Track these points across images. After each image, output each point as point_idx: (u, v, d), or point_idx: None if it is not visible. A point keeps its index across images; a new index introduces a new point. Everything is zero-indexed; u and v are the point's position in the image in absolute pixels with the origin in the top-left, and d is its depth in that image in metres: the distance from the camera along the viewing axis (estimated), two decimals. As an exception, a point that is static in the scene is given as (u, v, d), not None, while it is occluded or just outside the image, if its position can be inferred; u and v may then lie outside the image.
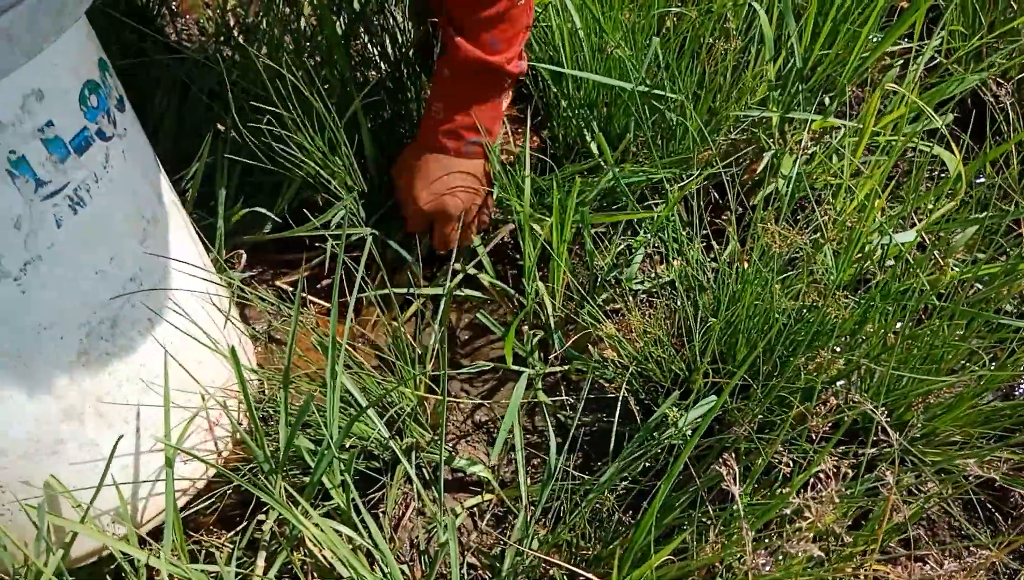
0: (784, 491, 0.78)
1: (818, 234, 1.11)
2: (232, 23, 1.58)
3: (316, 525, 0.89)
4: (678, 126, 1.23)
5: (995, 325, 0.95)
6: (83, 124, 0.74)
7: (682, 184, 1.11)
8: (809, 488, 0.76)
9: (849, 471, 0.70)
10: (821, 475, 0.87)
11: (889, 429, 0.63)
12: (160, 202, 0.90)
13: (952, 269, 0.88)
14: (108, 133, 0.78)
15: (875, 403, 0.91)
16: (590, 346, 1.17)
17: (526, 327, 1.14)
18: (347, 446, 1.04)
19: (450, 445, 1.16)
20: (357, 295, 0.95)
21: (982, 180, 1.37)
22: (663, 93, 1.15)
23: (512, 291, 1.23)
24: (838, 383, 0.91)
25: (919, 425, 0.93)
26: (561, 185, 1.09)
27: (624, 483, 0.98)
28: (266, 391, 1.11)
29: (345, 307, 1.17)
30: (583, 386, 1.20)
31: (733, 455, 0.78)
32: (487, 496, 1.10)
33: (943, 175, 1.41)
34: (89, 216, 0.76)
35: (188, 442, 1.01)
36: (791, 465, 0.74)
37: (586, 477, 1.01)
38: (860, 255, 1.02)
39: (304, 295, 1.31)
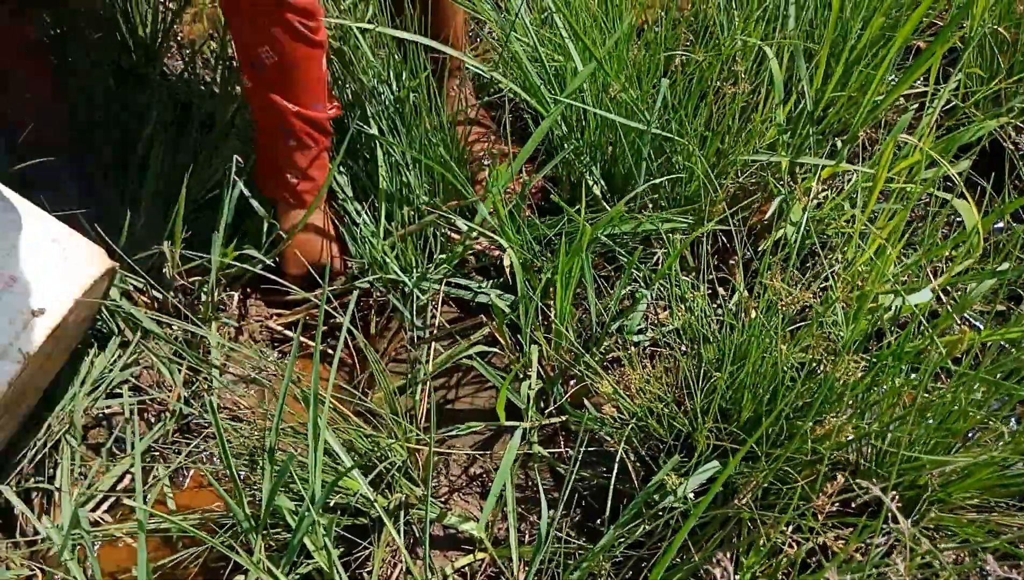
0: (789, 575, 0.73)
1: (827, 284, 1.07)
2: (234, 55, 1.56)
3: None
4: (684, 170, 1.18)
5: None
6: None
7: (685, 235, 1.07)
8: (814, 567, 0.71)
9: (858, 556, 0.65)
10: (827, 552, 0.81)
11: (900, 517, 0.58)
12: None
13: (968, 331, 0.83)
14: None
15: (884, 470, 0.86)
16: (586, 399, 1.12)
17: (527, 381, 1.10)
18: (331, 504, 0.99)
19: (442, 500, 1.12)
20: (342, 347, 0.91)
21: (1000, 225, 1.31)
22: (671, 136, 1.11)
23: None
24: (847, 449, 0.86)
25: (933, 491, 0.88)
26: (571, 245, 1.04)
27: (622, 548, 0.93)
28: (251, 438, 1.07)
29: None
30: (581, 437, 1.15)
31: (735, 527, 0.73)
32: (479, 555, 1.05)
33: (957, 219, 1.36)
34: None
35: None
36: (795, 545, 0.69)
37: (582, 542, 0.96)
38: (872, 308, 0.98)
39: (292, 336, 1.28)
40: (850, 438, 0.80)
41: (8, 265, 0.95)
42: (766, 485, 0.84)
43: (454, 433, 1.11)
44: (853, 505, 0.82)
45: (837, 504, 0.77)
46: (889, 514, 0.60)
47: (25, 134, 1.29)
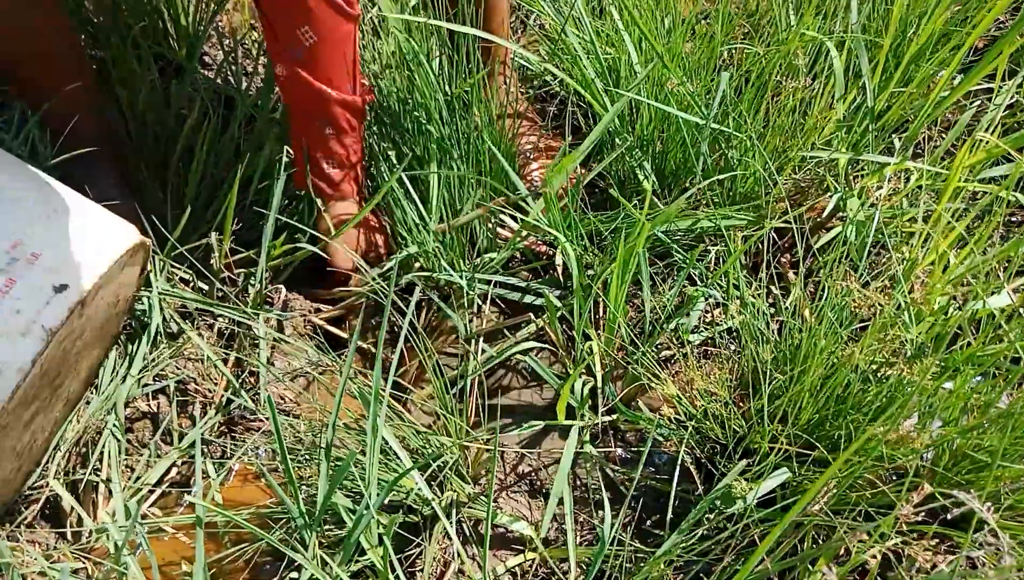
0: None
1: (888, 283, 1.04)
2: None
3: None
4: (739, 165, 1.16)
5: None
6: None
7: (746, 234, 1.05)
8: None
9: (944, 566, 0.63)
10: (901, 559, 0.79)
11: (999, 532, 0.56)
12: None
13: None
14: None
15: (959, 477, 0.84)
16: (639, 400, 1.10)
17: (579, 379, 1.08)
18: (386, 501, 0.98)
19: (492, 498, 1.10)
20: (401, 345, 0.89)
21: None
22: (728, 131, 1.09)
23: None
24: (919, 454, 0.83)
25: (1004, 499, 0.86)
26: (622, 237, 1.02)
27: (691, 554, 0.91)
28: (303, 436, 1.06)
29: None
30: (631, 437, 1.13)
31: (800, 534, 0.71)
32: (530, 555, 1.04)
33: (1012, 219, 1.33)
34: None
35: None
36: (876, 555, 0.67)
37: (638, 545, 0.95)
38: (942, 309, 0.95)
39: (335, 331, 1.26)
40: (927, 444, 0.78)
41: (30, 241, 0.94)
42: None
43: (512, 431, 1.09)
44: (943, 516, 0.80)
45: (923, 514, 0.75)
46: (984, 525, 0.58)
47: (69, 126, 1.28)
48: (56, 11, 1.17)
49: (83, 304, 0.92)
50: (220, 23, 1.65)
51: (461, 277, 1.17)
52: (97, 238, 0.97)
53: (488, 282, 1.19)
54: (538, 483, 1.13)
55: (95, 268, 0.94)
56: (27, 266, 0.91)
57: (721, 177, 1.11)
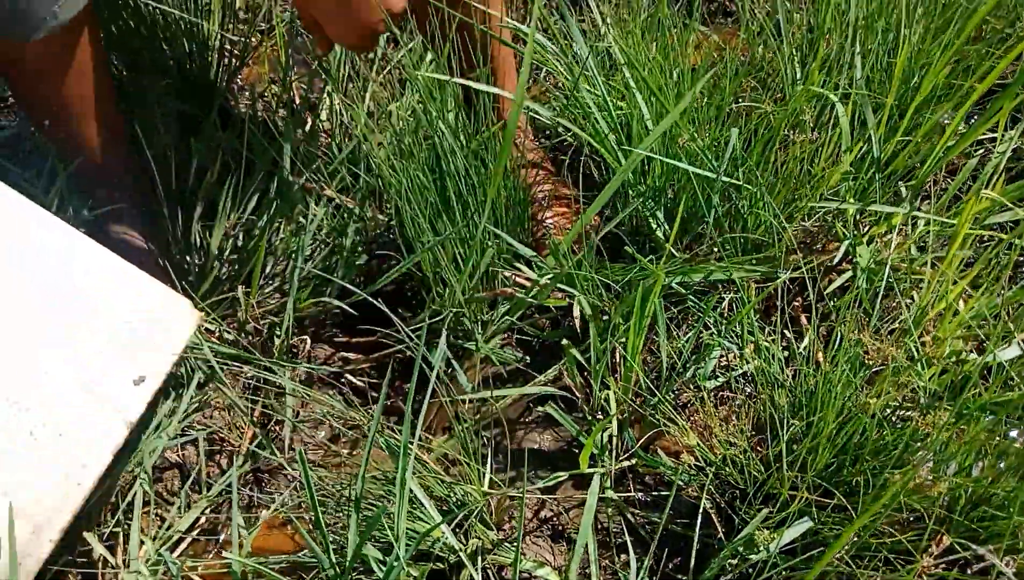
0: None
1: (897, 328, 1.07)
2: (296, 99, 1.59)
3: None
4: (750, 215, 1.19)
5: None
6: None
7: (761, 285, 1.08)
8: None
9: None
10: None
11: (1018, 583, 0.58)
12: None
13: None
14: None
15: (975, 526, 0.86)
16: (656, 444, 1.13)
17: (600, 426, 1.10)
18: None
19: (514, 544, 1.12)
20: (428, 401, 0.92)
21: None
22: (741, 184, 1.13)
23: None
24: (936, 503, 0.86)
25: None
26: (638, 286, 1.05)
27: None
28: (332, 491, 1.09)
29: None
30: (650, 480, 1.15)
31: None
32: (554, 602, 1.06)
33: (1018, 260, 1.36)
34: None
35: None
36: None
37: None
38: (951, 355, 0.98)
39: (365, 386, 1.29)
40: (943, 492, 0.81)
41: (102, 331, 0.95)
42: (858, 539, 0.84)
43: (540, 484, 1.11)
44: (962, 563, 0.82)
45: (943, 565, 0.77)
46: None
47: (93, 180, 1.31)
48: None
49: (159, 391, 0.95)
50: (241, 77, 1.70)
51: (476, 330, 1.20)
52: (165, 322, 0.97)
53: (506, 330, 1.22)
54: (560, 527, 1.15)
55: (169, 355, 0.95)
56: (101, 360, 0.93)
57: (730, 233, 1.14)
